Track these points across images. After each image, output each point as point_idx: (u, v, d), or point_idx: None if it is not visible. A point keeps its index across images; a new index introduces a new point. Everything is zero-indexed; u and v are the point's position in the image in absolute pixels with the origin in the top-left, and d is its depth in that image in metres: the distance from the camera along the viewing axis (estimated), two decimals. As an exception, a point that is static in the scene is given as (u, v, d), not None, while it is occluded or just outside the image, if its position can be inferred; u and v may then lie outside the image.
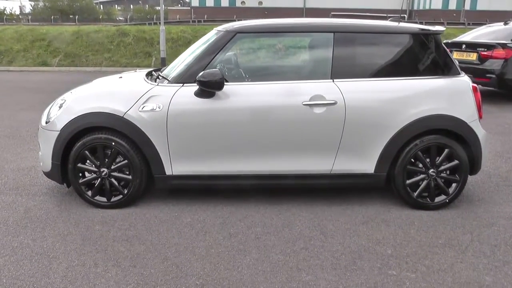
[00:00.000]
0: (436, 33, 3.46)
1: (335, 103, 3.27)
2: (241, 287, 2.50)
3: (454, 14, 36.72)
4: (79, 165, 3.42)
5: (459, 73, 3.49)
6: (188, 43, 16.22)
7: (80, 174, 3.49)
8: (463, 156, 3.40)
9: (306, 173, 3.42)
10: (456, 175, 3.45)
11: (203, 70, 3.29)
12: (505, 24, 8.12)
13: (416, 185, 3.45)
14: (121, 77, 3.97)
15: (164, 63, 13.57)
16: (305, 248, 2.92)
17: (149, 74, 3.86)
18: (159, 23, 16.13)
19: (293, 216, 3.39)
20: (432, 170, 3.41)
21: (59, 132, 3.38)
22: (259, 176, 3.43)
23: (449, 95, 3.39)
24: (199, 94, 3.28)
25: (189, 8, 43.43)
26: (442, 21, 30.53)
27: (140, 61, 14.92)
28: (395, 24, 3.56)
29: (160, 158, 3.37)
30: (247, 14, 37.95)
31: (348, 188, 3.81)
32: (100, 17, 43.13)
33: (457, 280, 2.59)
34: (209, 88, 3.20)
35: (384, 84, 3.34)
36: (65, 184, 3.58)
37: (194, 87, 3.30)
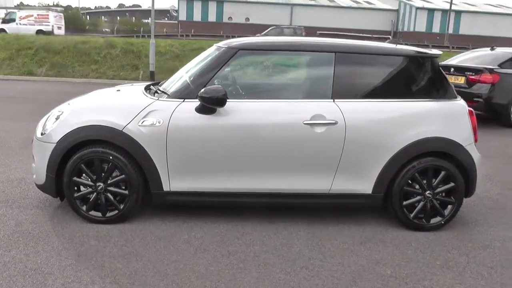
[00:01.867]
0: (434, 56, 3.54)
1: (335, 123, 3.30)
2: (243, 307, 2.47)
3: (438, 37, 37.68)
4: (75, 178, 3.36)
5: (456, 97, 3.57)
6: (176, 57, 16.21)
7: (75, 188, 3.42)
8: (459, 178, 3.45)
9: (305, 192, 3.42)
10: (452, 197, 3.50)
11: (205, 86, 3.29)
12: (492, 49, 8.38)
13: (412, 206, 3.48)
14: (118, 90, 3.94)
15: (153, 76, 13.51)
16: (305, 267, 2.91)
17: (147, 88, 3.84)
18: (147, 36, 16.11)
19: (290, 235, 3.38)
20: (428, 192, 3.45)
21: (55, 144, 3.32)
22: (258, 194, 3.41)
23: (446, 118, 3.46)
24: (200, 110, 3.27)
25: (176, 22, 43.60)
26: (426, 43, 31.28)
27: (127, 74, 14.84)
28: (393, 46, 3.63)
29: (158, 174, 3.33)
30: (234, 29, 38.30)
31: (343, 208, 3.81)
32: (87, 28, 42.88)
33: (457, 303, 2.61)
34: (211, 105, 3.19)
35: (384, 105, 3.39)
36: (58, 197, 3.50)
37: (195, 102, 3.29)
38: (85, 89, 4.13)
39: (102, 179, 3.36)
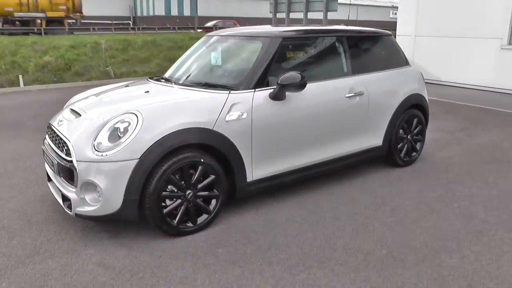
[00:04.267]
0: (392, 35, 4.64)
1: (363, 93, 4.02)
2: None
3: (178, 20, 40.05)
4: (164, 193, 3.02)
5: (410, 64, 4.78)
6: None
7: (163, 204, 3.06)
8: (424, 121, 4.72)
9: (347, 154, 4.04)
10: (420, 136, 4.75)
11: (267, 75, 3.46)
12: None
13: (401, 148, 4.56)
14: (147, 91, 3.55)
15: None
16: (391, 215, 3.55)
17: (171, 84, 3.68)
18: None
19: (334, 194, 3.88)
20: (409, 135, 4.60)
21: (137, 160, 2.89)
22: (316, 165, 3.83)
23: (415, 79, 4.66)
24: (274, 97, 3.42)
25: None
26: (168, 26, 32.58)
27: None
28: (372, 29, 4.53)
29: (244, 166, 3.35)
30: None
31: (367, 162, 4.50)
32: None
33: (486, 209, 3.84)
34: (293, 90, 3.41)
35: (384, 74, 4.32)
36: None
37: (266, 91, 3.42)
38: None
39: (192, 185, 3.13)
